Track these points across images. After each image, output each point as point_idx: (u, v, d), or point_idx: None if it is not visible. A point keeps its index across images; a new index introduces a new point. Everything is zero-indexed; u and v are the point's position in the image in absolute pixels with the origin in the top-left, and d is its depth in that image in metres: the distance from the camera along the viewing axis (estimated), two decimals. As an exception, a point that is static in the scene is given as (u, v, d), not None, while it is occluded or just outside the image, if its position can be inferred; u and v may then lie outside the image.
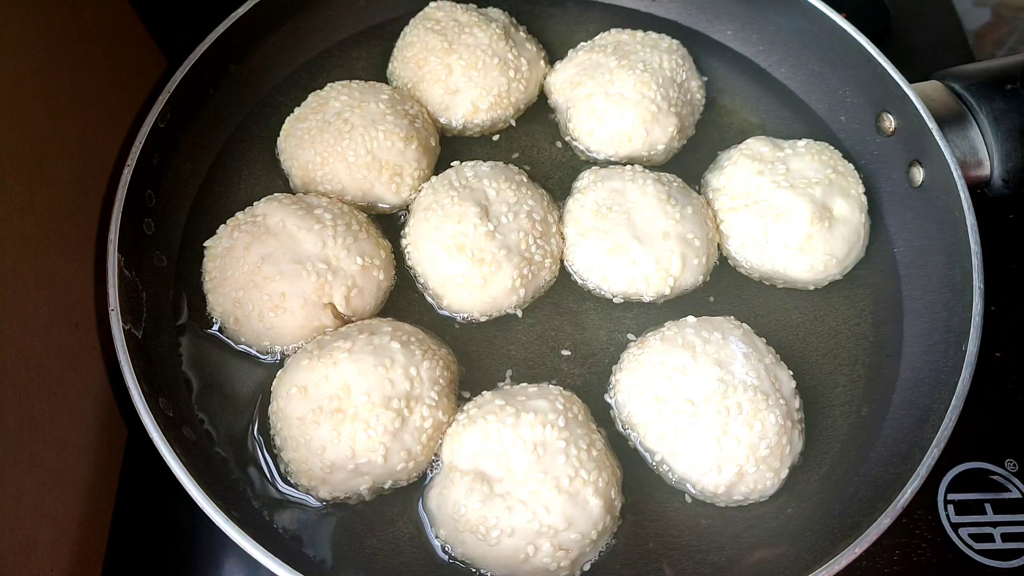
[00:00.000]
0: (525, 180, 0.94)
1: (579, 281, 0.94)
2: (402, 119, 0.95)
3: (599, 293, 0.93)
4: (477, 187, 0.91)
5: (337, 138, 0.93)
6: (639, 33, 1.06)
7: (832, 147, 0.98)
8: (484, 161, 0.95)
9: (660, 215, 0.90)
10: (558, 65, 1.08)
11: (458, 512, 0.75)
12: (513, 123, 1.06)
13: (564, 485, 0.74)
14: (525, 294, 0.90)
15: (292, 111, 1.00)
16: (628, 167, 0.96)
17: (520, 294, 0.89)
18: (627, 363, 0.86)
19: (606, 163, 1.02)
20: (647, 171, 0.95)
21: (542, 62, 1.08)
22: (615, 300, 0.93)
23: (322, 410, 0.76)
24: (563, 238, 0.94)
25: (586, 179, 0.96)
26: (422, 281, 0.92)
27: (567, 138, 1.05)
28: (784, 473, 0.80)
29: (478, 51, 1.01)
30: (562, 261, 0.94)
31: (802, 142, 0.98)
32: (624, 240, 0.90)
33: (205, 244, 0.90)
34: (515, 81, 1.03)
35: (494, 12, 1.08)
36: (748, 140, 0.99)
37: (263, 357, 0.88)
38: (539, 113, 1.08)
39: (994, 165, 0.94)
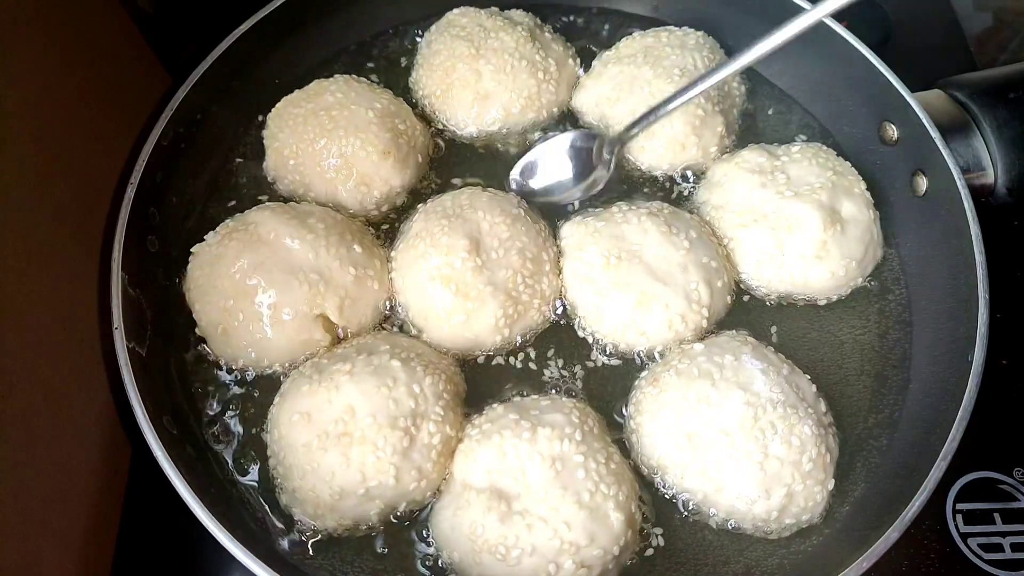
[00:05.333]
0: (522, 214, 0.91)
1: (607, 346, 0.89)
2: (386, 132, 0.95)
3: (631, 355, 0.89)
4: (471, 218, 0.89)
5: (317, 133, 0.94)
6: (663, 34, 1.05)
7: (826, 147, 0.98)
8: (485, 188, 0.94)
9: (670, 248, 0.88)
10: (585, 81, 1.07)
11: (475, 532, 0.73)
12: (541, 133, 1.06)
13: (584, 500, 0.73)
14: (510, 334, 0.87)
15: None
16: (614, 207, 0.94)
17: (504, 334, 0.87)
18: (646, 405, 0.83)
19: (662, 177, 1.02)
20: (634, 207, 0.93)
21: (571, 61, 1.08)
22: (644, 360, 0.88)
23: (328, 435, 0.75)
24: (559, 279, 0.91)
25: (575, 235, 0.92)
26: (404, 311, 0.90)
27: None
28: (831, 484, 0.79)
29: (505, 55, 1.01)
30: (581, 328, 0.91)
31: (796, 146, 0.98)
32: (648, 286, 0.86)
33: (192, 249, 0.89)
34: (544, 83, 1.03)
35: (518, 15, 1.08)
36: (742, 152, 0.98)
37: (245, 375, 0.87)
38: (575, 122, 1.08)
39: (998, 174, 0.94)
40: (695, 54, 1.02)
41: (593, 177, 1.00)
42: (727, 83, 1.04)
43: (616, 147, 0.99)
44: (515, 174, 1.01)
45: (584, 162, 1.01)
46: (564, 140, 1.02)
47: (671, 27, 1.07)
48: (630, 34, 1.09)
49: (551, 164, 1.01)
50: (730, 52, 1.09)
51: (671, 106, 0.92)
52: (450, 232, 0.87)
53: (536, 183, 1.01)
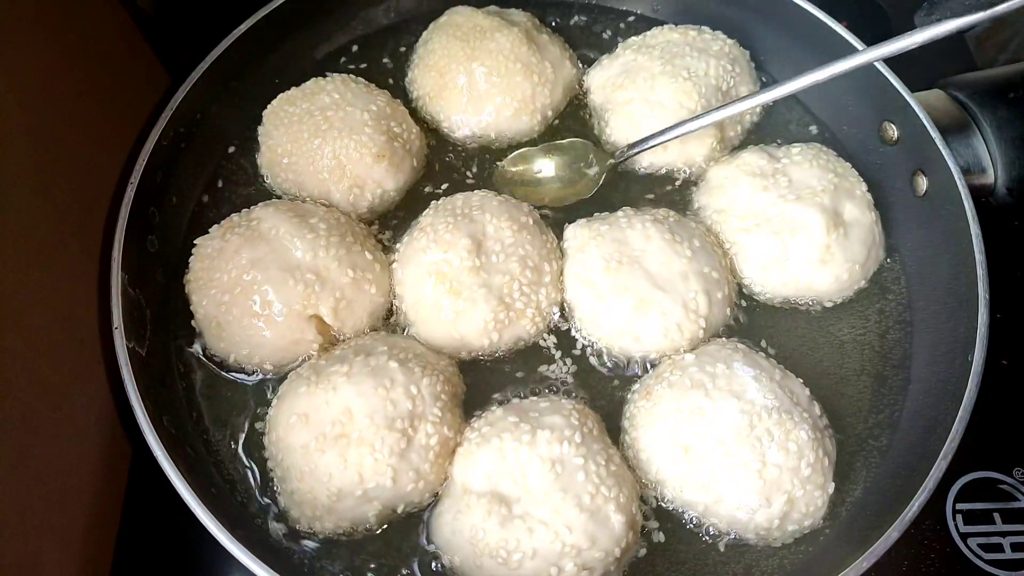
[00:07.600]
0: (531, 223, 0.91)
1: (602, 350, 0.89)
2: (381, 135, 0.94)
3: (625, 360, 0.89)
4: (478, 219, 0.89)
5: (312, 133, 0.93)
6: (691, 32, 1.04)
7: (825, 148, 0.98)
8: (499, 194, 0.94)
9: (672, 256, 0.87)
10: (604, 60, 1.07)
11: (476, 536, 0.73)
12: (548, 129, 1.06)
13: (585, 502, 0.72)
14: (499, 339, 0.86)
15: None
16: (620, 211, 0.93)
17: (493, 338, 0.86)
18: (640, 419, 0.82)
19: (642, 174, 1.01)
20: (640, 212, 0.93)
21: (568, 63, 1.07)
22: (638, 369, 0.88)
23: (325, 437, 0.75)
24: (560, 292, 0.90)
25: (578, 237, 0.91)
26: (398, 303, 0.90)
27: (602, 141, 1.04)
28: (831, 488, 0.78)
29: (500, 57, 1.00)
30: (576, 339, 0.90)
31: (796, 148, 0.98)
32: (647, 292, 0.85)
33: (195, 241, 0.89)
34: (539, 86, 1.02)
35: (516, 15, 1.07)
36: (742, 155, 0.98)
37: (244, 376, 0.87)
38: (576, 122, 1.08)
39: (998, 173, 0.94)
40: (712, 60, 1.00)
41: (578, 188, 1.00)
42: (736, 96, 1.02)
43: (606, 169, 0.99)
44: (505, 163, 1.01)
45: (574, 170, 1.01)
46: (557, 145, 1.02)
47: (704, 28, 1.06)
48: (639, 32, 1.09)
49: (541, 163, 1.02)
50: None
51: (671, 134, 0.93)
52: (454, 230, 0.87)
53: (522, 173, 1.01)
